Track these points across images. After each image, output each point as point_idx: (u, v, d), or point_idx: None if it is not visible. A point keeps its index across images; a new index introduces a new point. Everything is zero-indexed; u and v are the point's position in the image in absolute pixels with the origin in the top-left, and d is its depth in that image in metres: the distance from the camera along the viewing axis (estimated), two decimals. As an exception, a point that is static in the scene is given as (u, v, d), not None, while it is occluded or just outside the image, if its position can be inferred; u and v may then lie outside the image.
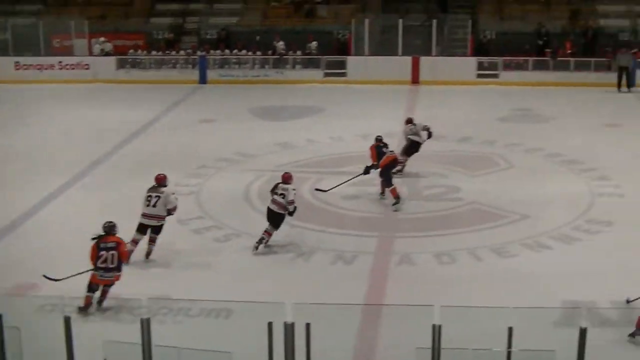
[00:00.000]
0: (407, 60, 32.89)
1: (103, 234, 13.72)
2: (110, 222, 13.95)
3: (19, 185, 20.72)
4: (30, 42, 35.88)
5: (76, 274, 13.62)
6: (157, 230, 15.85)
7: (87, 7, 38.68)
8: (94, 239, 13.68)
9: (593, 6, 36.57)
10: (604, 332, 12.19)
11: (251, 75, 33.82)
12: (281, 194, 16.35)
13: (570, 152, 22.74)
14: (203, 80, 33.72)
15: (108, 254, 13.60)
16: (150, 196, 15.81)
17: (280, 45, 34.19)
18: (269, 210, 16.43)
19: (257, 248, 16.21)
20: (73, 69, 34.14)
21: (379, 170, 18.98)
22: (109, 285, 13.70)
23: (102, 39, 35.52)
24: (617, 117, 27.21)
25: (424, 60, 33.23)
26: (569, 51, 33.46)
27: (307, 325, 10.08)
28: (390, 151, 19.53)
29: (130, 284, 14.40)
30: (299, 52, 34.38)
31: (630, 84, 31.62)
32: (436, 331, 9.66)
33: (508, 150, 22.74)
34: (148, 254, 15.81)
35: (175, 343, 9.89)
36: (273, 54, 34.17)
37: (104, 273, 13.57)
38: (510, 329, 9.84)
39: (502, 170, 21.47)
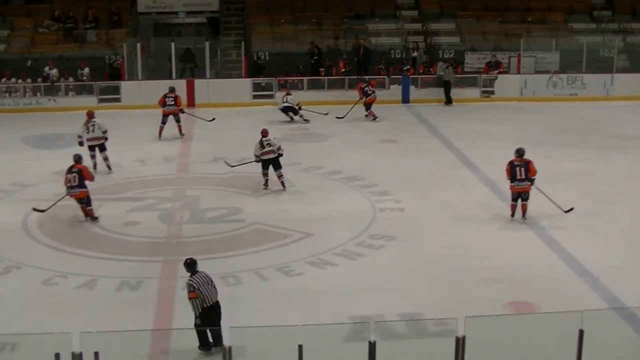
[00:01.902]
0: (182, 83, 32.87)
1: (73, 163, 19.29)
2: (77, 154, 19.75)
3: None
4: None
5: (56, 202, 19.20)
6: None
7: None
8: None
9: (364, 25, 37.61)
10: (393, 345, 12.44)
11: (23, 104, 32.99)
12: (268, 144, 21.20)
13: (349, 169, 23.27)
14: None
15: (71, 176, 19.00)
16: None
17: (54, 72, 33.55)
18: (268, 159, 21.28)
19: (267, 186, 21.48)
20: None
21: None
22: (80, 199, 19.15)
23: None
24: (392, 133, 28.01)
25: (199, 83, 33.31)
26: (343, 70, 34.28)
27: (96, 354, 10.00)
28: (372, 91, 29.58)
29: None
30: (71, 79, 33.82)
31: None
32: (226, 352, 9.78)
33: (288, 170, 23.01)
34: None
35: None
36: (45, 81, 33.48)
37: (70, 189, 19.04)
38: (300, 347, 10.01)
39: (284, 190, 21.72)
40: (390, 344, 12.25)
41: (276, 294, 15.32)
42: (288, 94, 31.00)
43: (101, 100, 32.58)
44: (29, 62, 34.93)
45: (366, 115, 30.35)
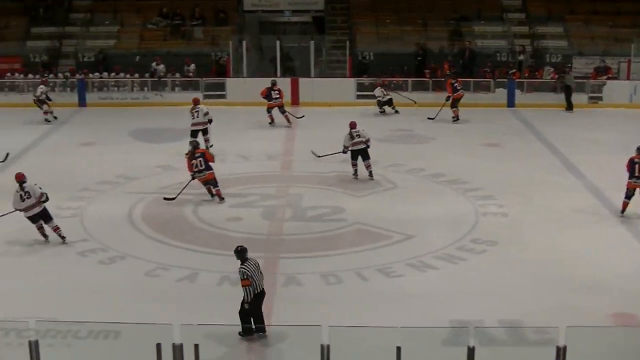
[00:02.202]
0: (286, 81, 33.05)
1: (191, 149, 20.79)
2: (194, 140, 22.00)
3: None
4: None
5: (183, 188, 20.60)
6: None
7: (-39, 30, 37.96)
8: (186, 154, 21.02)
9: (470, 27, 37.29)
10: (492, 351, 12.31)
11: (130, 98, 33.56)
12: (357, 135, 22.26)
13: (452, 171, 23.03)
14: (82, 103, 33.37)
15: (196, 161, 20.43)
16: (21, 194, 17.77)
17: (161, 67, 34.03)
18: (357, 150, 22.25)
19: (356, 176, 22.44)
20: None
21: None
22: (208, 180, 20.58)
23: (-22, 63, 34.94)
24: (496, 137, 27.65)
25: (303, 82, 33.44)
26: (447, 72, 34.04)
27: (196, 347, 10.11)
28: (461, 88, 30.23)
29: (16, 307, 14.35)
30: (177, 75, 34.27)
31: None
32: (325, 351, 9.79)
33: (390, 171, 23.02)
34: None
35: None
36: (152, 76, 34.00)
37: (198, 174, 20.39)
38: (398, 349, 9.97)
39: (386, 191, 21.69)
40: (489, 350, 12.12)
41: (376, 295, 15.32)
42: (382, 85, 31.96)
43: (206, 96, 32.82)
44: (138, 58, 35.51)
45: (453, 118, 30.15)
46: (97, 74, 34.36)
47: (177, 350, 9.74)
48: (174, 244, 17.75)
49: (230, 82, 33.68)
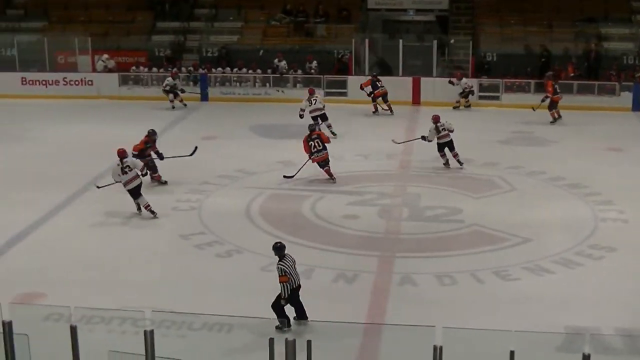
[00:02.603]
0: (408, 80, 32.97)
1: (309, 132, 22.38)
2: (313, 123, 24.61)
3: (22, 199, 20.80)
4: (35, 58, 36.17)
5: (300, 168, 22.17)
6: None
7: (89, 24, 38.78)
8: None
9: (597, 28, 36.56)
10: (606, 360, 12.13)
11: (252, 94, 33.90)
12: (443, 129, 23.07)
13: (572, 176, 22.59)
14: (204, 97, 33.83)
15: (314, 142, 21.87)
16: (122, 167, 19.35)
17: (283, 64, 34.26)
18: (444, 142, 23.08)
19: (448, 165, 23.31)
20: (77, 84, 34.23)
21: None
22: (323, 160, 22.00)
23: (105, 55, 35.68)
24: (619, 141, 26.99)
25: (425, 82, 33.30)
26: (572, 74, 33.48)
27: (309, 343, 10.10)
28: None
29: (134, 296, 14.63)
30: (299, 72, 34.45)
31: None
32: (437, 352, 9.69)
33: (510, 173, 22.76)
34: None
35: (178, 355, 9.91)
36: (274, 72, 34.26)
37: (316, 154, 21.88)
38: (512, 353, 9.83)
39: (504, 193, 21.46)
40: (604, 359, 11.89)
41: (490, 298, 15.15)
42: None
43: (328, 94, 32.93)
44: (261, 53, 35.85)
45: (551, 122, 29.71)
46: (219, 69, 34.76)
47: (290, 345, 9.73)
48: (291, 240, 17.78)
49: (352, 80, 33.68)
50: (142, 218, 19.09)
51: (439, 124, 23.12)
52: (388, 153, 24.88)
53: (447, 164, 23.31)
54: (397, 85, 32.51)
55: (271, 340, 9.95)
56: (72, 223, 19.22)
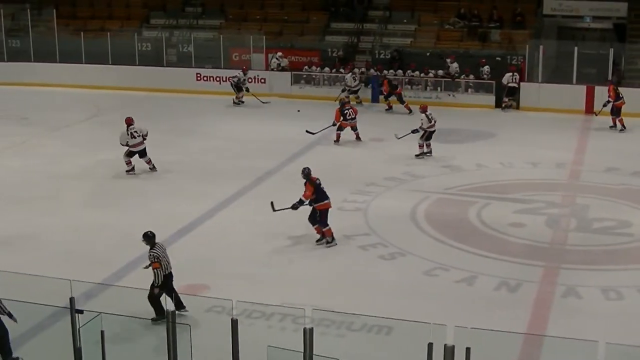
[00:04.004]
0: (582, 89, 32.32)
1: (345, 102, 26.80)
2: (348, 99, 28.79)
3: (194, 192, 21.42)
4: (210, 55, 37.12)
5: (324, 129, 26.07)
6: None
7: (264, 23, 39.55)
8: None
9: None
10: None
11: (423, 97, 33.71)
12: (432, 117, 24.92)
13: None
14: (375, 99, 33.93)
15: (349, 111, 25.90)
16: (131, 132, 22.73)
17: (454, 66, 34.02)
18: (433, 132, 24.88)
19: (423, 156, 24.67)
20: (250, 82, 34.82)
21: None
22: (354, 127, 26.59)
23: (279, 54, 36.23)
24: None
25: (599, 90, 32.54)
26: None
27: (467, 350, 10.04)
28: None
29: (295, 294, 14.84)
30: (471, 76, 34.13)
31: None
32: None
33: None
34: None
35: (336, 355, 9.98)
36: (447, 74, 33.99)
37: (350, 120, 26.05)
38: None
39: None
40: None
41: (658, 315, 14.74)
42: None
43: (499, 99, 32.64)
44: (428, 53, 35.71)
45: (611, 126, 28.95)
46: (391, 71, 34.74)
47: (449, 351, 9.70)
48: (455, 245, 17.75)
49: (524, 87, 33.21)
50: (301, 217, 19.06)
51: (428, 113, 24.78)
52: (558, 162, 24.46)
53: (430, 153, 24.75)
54: (569, 94, 31.88)
55: (430, 345, 9.93)
56: (240, 217, 19.65)
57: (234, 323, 10.30)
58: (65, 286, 11.12)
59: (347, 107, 26.60)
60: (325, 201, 17.78)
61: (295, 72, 35.66)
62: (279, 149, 25.47)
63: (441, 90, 33.98)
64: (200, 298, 14.12)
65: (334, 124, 26.52)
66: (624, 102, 28.99)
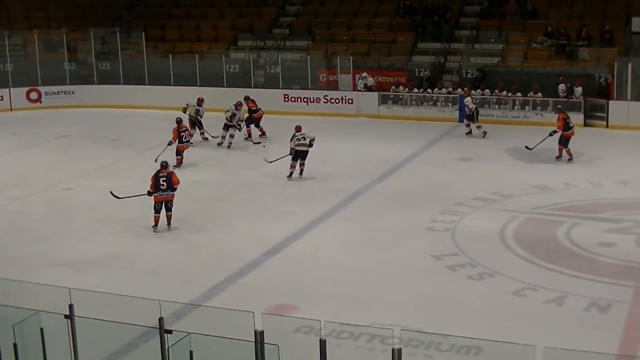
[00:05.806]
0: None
1: (160, 168, 20.74)
2: (164, 160, 21.41)
3: (282, 211, 21.67)
4: (298, 76, 37.53)
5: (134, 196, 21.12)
6: None
7: (352, 44, 39.81)
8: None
9: None
10: None
11: (511, 116, 33.62)
12: (302, 137, 24.53)
13: None
14: (462, 119, 33.87)
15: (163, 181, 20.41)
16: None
17: (579, 90, 33.24)
18: (302, 152, 24.47)
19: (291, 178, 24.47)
20: (337, 102, 35.08)
21: None
22: (168, 201, 20.35)
23: (364, 74, 36.39)
24: None
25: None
26: None
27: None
28: None
29: (384, 313, 14.93)
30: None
31: None
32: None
33: None
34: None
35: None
36: (568, 98, 33.29)
37: (162, 193, 20.19)
38: None
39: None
40: None
41: None
42: None
43: (588, 117, 32.38)
44: (518, 68, 35.60)
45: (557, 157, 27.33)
46: (478, 90, 34.64)
47: (539, 372, 9.72)
48: (544, 265, 17.68)
49: (613, 105, 32.87)
50: (389, 237, 19.21)
51: (298, 133, 24.78)
52: (649, 181, 24.22)
53: (290, 176, 24.75)
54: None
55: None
56: (329, 238, 19.82)
57: (322, 343, 10.41)
58: (155, 306, 11.36)
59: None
60: None
61: (382, 93, 35.77)
62: (367, 169, 25.59)
63: (529, 109, 33.74)
64: (288, 318, 14.29)
65: None
66: (574, 133, 27.65)
